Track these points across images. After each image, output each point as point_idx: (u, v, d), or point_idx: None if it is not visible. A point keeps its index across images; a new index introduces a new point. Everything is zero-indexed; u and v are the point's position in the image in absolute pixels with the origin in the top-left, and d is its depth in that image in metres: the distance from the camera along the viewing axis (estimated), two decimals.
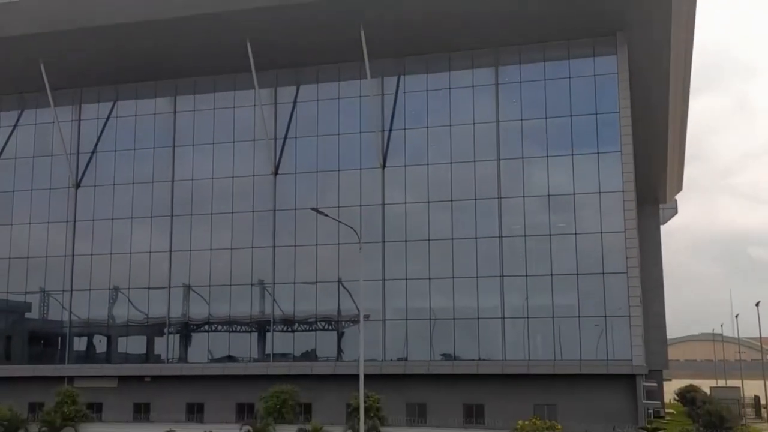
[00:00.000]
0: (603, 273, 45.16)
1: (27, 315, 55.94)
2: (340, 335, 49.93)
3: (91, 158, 55.10)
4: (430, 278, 47.71)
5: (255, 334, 51.44)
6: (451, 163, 48.63)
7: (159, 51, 49.64)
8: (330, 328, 50.24)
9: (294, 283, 50.06)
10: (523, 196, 47.14)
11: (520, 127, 48.04)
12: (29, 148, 56.20)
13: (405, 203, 49.24)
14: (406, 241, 48.50)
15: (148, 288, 52.80)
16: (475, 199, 47.83)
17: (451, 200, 48.24)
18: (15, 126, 56.71)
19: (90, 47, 48.96)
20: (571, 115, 47.16)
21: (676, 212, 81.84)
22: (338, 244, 48.62)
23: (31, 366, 53.49)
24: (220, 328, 52.23)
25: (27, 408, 50.41)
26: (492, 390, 45.45)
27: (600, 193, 45.90)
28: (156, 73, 52.86)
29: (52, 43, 48.27)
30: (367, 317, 37.98)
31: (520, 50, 48.32)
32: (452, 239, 47.69)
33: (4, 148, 56.56)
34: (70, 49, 49.22)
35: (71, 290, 54.09)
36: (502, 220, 47.28)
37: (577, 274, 45.55)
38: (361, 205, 49.32)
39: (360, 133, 50.43)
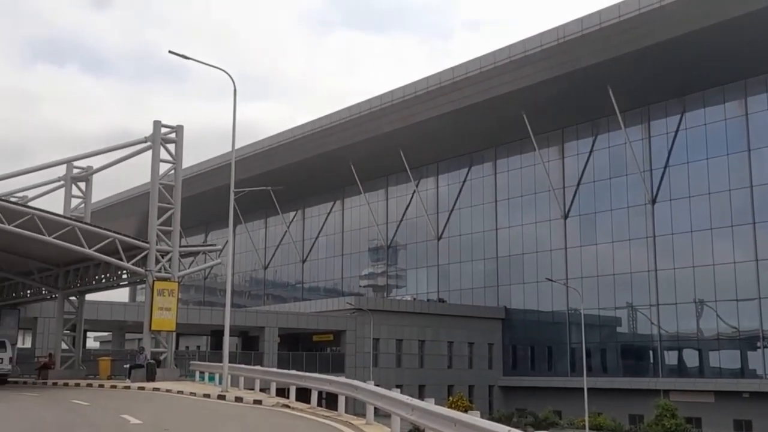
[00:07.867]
0: None
1: (617, 329, 58.59)
2: None
3: (663, 173, 55.55)
4: None
5: None
6: None
7: (723, 54, 47.92)
8: None
9: None
10: None
11: None
12: (605, 171, 59.14)
13: None
14: None
15: (736, 300, 50.72)
16: None
17: None
18: (590, 152, 60.29)
19: (653, 65, 49.64)
20: None
21: None
22: None
23: (627, 378, 55.59)
24: None
25: (627, 419, 52.40)
26: None
27: None
28: (722, 77, 51.12)
29: (617, 67, 50.24)
30: None
31: None
32: None
33: (582, 173, 60.55)
34: (634, 70, 50.60)
35: (657, 304, 54.93)
36: None
37: None
38: None
39: None
